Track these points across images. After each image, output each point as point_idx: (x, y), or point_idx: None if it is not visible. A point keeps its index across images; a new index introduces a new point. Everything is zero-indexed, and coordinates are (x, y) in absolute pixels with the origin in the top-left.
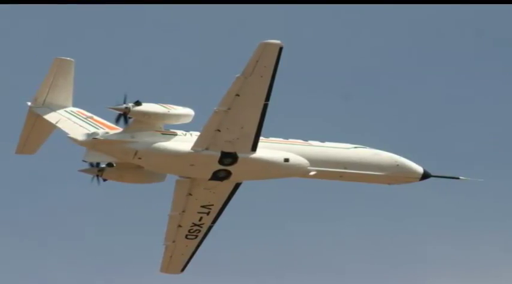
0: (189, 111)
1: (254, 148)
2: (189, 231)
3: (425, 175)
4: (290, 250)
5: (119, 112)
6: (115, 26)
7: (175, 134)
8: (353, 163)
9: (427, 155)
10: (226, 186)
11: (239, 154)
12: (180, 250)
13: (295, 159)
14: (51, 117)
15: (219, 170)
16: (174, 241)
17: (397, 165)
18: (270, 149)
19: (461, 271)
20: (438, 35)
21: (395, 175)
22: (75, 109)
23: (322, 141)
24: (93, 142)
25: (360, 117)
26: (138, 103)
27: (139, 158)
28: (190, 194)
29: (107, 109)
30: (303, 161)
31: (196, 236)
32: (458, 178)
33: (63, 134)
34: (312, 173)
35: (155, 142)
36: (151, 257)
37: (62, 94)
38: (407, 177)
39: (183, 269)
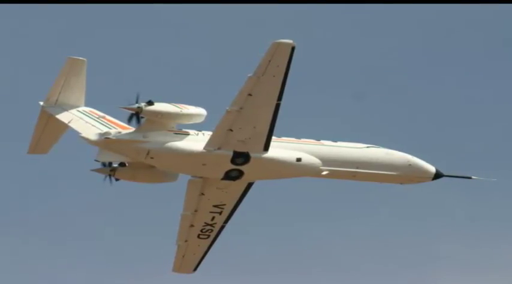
0: (202, 111)
1: (266, 147)
2: (201, 231)
3: (437, 175)
4: (302, 249)
5: (131, 111)
6: (127, 25)
7: (187, 134)
8: (365, 163)
9: (439, 155)
10: (239, 185)
11: (251, 154)
12: (192, 249)
13: (308, 158)
14: (63, 116)
15: (232, 170)
16: (186, 241)
17: (410, 164)
18: (282, 149)
19: (473, 271)
20: (450, 35)
21: (408, 175)
22: (88, 109)
23: (335, 140)
24: (105, 141)
25: (372, 116)
26: (150, 102)
27: (152, 158)
28: (202, 194)
29: (119, 108)
30: (315, 161)
31: (209, 235)
32: (470, 178)
33: (76, 134)
34: (324, 173)
35: (167, 142)
36: (163, 256)
37: (74, 93)
38: (420, 176)
39: (195, 269)
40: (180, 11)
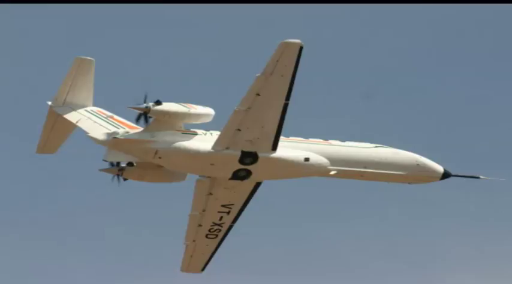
0: (210, 111)
1: (274, 147)
2: (209, 230)
3: (445, 175)
4: (310, 249)
5: (140, 111)
6: (135, 25)
7: (195, 133)
8: (373, 163)
9: (447, 154)
10: (247, 185)
11: (259, 154)
12: (200, 249)
13: (316, 158)
14: (71, 116)
15: (240, 169)
16: (194, 241)
17: (418, 164)
18: (290, 148)
19: (481, 271)
20: (459, 35)
21: (416, 175)
22: (96, 109)
23: (343, 140)
24: (113, 141)
25: (380, 116)
26: (158, 102)
27: (160, 157)
28: (210, 193)
29: (127, 108)
30: (324, 160)
31: (217, 235)
32: (478, 178)
33: (84, 133)
34: (332, 172)
35: (175, 142)
36: (171, 256)
37: (82, 93)
38: (428, 176)
39: (203, 269)
40: (188, 11)
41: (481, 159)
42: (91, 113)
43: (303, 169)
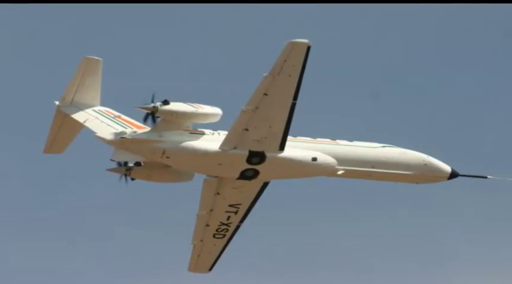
0: (217, 110)
1: (282, 147)
2: (216, 230)
3: (453, 175)
4: (317, 249)
5: (147, 111)
6: (143, 25)
7: (203, 133)
8: (381, 163)
9: (455, 154)
10: (254, 185)
11: (267, 153)
12: (208, 249)
13: (323, 158)
14: (79, 116)
15: (247, 169)
16: (202, 240)
17: (425, 164)
18: (298, 148)
19: (488, 271)
20: (466, 35)
21: (423, 175)
22: (103, 109)
23: (350, 140)
24: (121, 141)
25: (387, 116)
26: (166, 102)
27: (167, 157)
28: (218, 193)
29: (135, 108)
30: (331, 160)
31: (224, 235)
32: (486, 177)
33: (91, 133)
34: (339, 172)
35: (183, 142)
36: (179, 256)
37: (89, 93)
38: (435, 176)
39: (210, 269)
40: (195, 11)
41: (488, 158)
42: (98, 113)
43: (310, 169)
